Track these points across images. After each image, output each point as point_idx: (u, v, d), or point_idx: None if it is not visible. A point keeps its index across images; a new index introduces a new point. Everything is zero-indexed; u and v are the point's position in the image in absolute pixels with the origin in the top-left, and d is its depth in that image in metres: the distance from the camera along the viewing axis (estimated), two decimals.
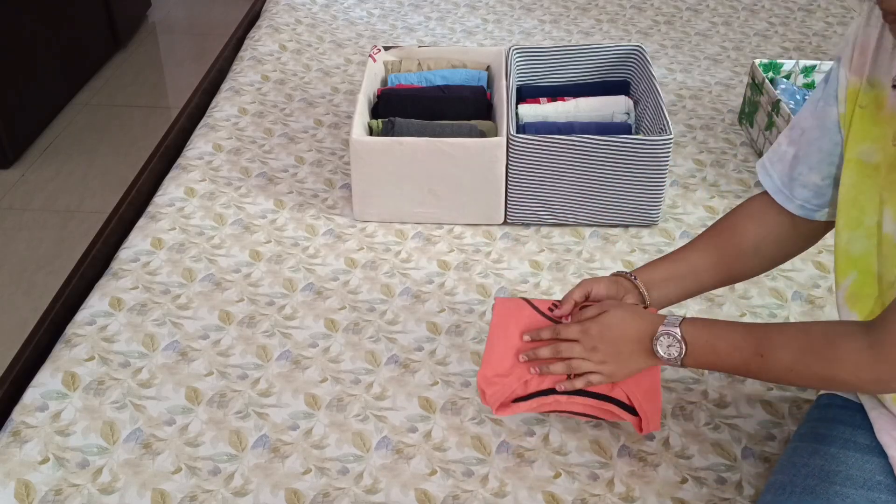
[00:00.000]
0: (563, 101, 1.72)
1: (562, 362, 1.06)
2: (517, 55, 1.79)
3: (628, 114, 1.70)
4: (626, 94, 1.77)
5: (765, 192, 1.11)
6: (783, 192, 1.07)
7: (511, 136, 1.51)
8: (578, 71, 1.84)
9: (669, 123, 1.52)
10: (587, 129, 1.59)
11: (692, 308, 1.38)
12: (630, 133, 1.63)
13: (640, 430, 1.08)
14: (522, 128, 1.63)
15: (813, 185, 1.04)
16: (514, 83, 1.72)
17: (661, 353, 1.00)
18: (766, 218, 1.10)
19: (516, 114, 1.67)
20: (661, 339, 1.00)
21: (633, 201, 1.55)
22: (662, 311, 1.12)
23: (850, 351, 0.87)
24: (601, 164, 1.52)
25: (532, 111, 1.69)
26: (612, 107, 1.70)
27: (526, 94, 1.80)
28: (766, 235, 1.10)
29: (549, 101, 1.74)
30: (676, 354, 0.99)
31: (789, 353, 0.92)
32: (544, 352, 1.08)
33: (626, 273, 1.14)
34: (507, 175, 1.54)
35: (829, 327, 0.93)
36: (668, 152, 1.50)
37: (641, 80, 1.75)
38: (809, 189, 1.05)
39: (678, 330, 0.99)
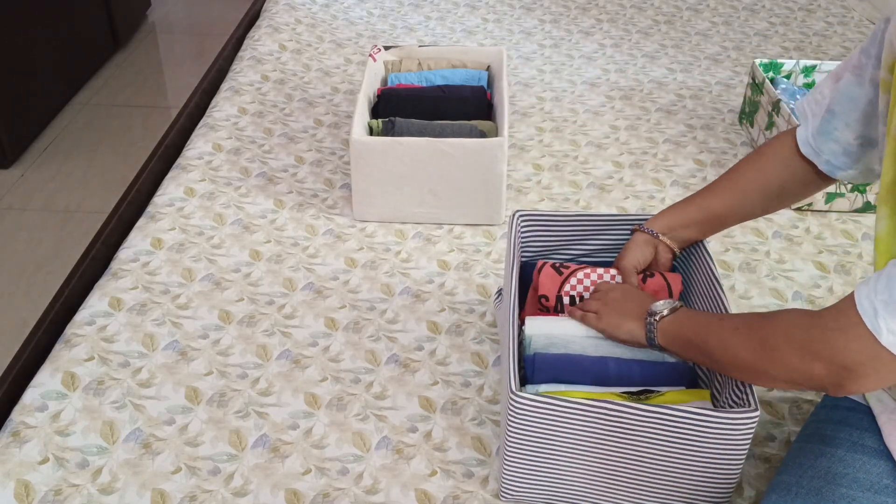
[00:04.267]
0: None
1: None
2: (522, 222, 1.26)
3: None
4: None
5: (795, 135, 1.09)
6: (811, 144, 1.06)
7: (512, 397, 0.97)
8: (600, 245, 1.30)
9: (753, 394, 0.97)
10: (629, 375, 1.08)
11: None
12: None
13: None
14: (532, 360, 1.09)
15: (845, 142, 1.02)
16: (516, 256, 1.19)
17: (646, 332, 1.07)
18: (793, 162, 1.09)
19: (520, 329, 1.14)
20: (647, 318, 1.06)
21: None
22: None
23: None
24: (648, 441, 0.98)
25: (545, 328, 1.14)
26: None
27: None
28: (790, 178, 1.11)
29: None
30: (652, 338, 1.05)
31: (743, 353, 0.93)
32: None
33: (647, 230, 1.18)
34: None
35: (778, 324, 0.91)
36: (751, 431, 0.96)
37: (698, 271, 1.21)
38: (840, 145, 1.03)
39: (656, 323, 1.05)
